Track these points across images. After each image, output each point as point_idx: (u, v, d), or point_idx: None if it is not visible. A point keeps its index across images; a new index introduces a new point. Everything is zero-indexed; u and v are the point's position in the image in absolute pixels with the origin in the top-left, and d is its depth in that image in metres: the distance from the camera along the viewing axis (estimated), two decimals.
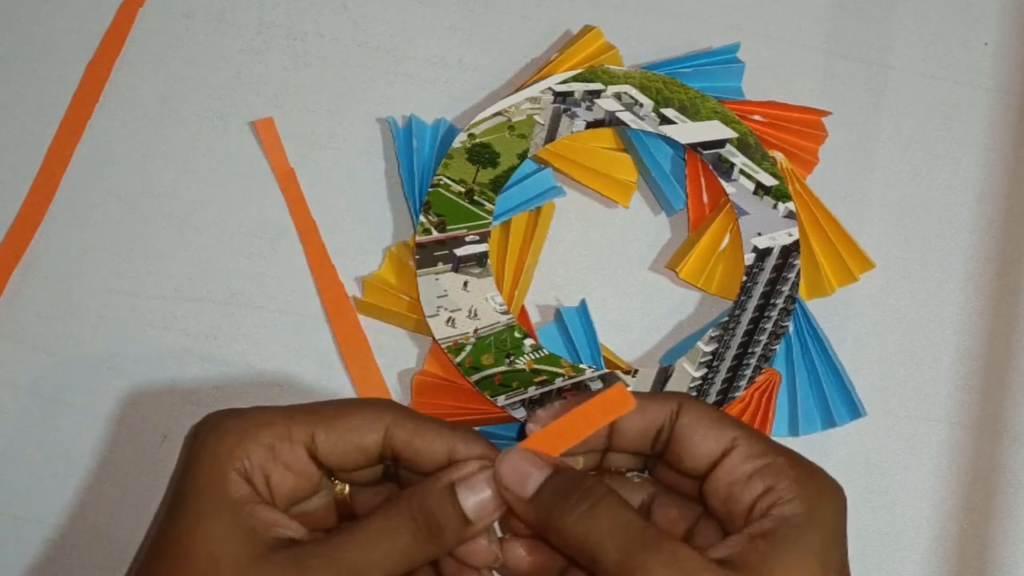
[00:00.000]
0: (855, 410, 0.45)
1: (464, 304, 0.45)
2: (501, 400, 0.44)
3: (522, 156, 0.46)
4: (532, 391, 0.44)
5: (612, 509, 0.33)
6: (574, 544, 0.33)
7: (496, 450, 0.35)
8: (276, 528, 0.33)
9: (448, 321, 0.44)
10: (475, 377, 0.44)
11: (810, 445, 0.43)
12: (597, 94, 0.47)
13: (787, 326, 0.45)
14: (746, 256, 0.45)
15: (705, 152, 0.46)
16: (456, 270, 0.45)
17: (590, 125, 0.47)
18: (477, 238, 0.45)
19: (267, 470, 0.34)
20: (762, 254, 0.45)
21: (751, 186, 0.46)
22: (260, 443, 0.33)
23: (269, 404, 0.45)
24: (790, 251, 0.45)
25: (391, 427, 0.35)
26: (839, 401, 0.45)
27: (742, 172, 0.46)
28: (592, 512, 0.33)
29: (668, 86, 0.47)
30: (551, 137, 0.46)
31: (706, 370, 0.45)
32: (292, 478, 0.34)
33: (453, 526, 0.34)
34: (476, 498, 0.34)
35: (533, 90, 0.47)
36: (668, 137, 0.46)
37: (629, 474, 0.38)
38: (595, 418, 0.35)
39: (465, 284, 0.45)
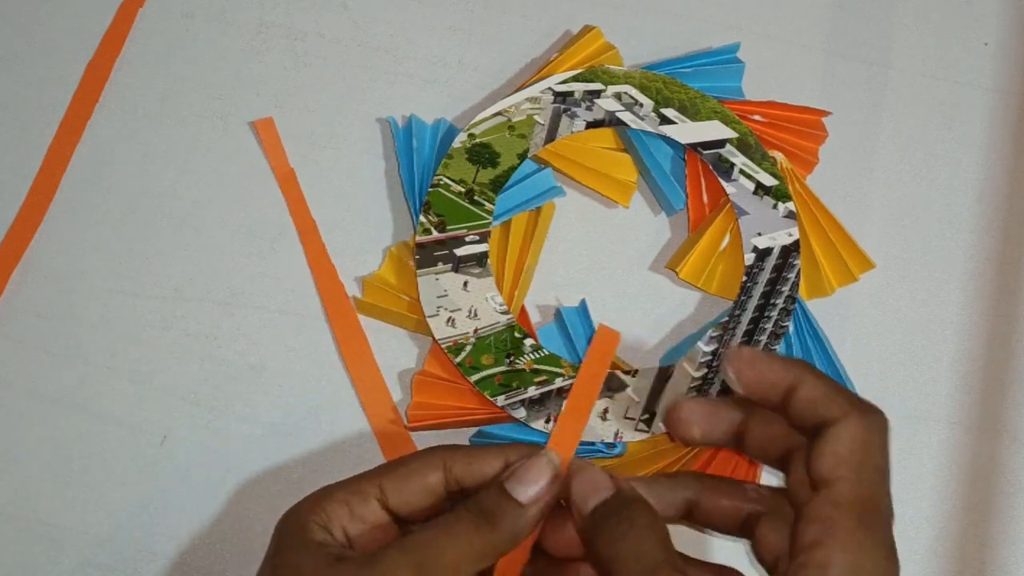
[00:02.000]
0: None
1: (464, 304, 0.45)
2: (501, 400, 0.44)
3: (522, 156, 0.46)
4: (532, 391, 0.44)
5: (638, 539, 0.35)
6: (602, 563, 0.35)
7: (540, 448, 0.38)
8: None
9: (448, 321, 0.44)
10: (475, 377, 0.44)
11: None
12: (597, 94, 0.47)
13: (787, 326, 0.45)
14: (746, 256, 0.45)
15: (705, 152, 0.46)
16: (456, 270, 0.45)
17: (590, 125, 0.47)
18: (477, 238, 0.45)
19: (344, 523, 0.36)
20: (762, 254, 0.45)
21: (751, 186, 0.46)
22: (335, 500, 0.36)
23: (269, 405, 0.45)
24: (790, 251, 0.45)
25: (448, 459, 0.37)
26: None
27: (742, 172, 0.46)
28: (621, 539, 0.35)
29: (668, 86, 0.47)
30: (551, 137, 0.46)
31: (706, 370, 0.45)
32: (369, 531, 0.36)
33: (509, 511, 0.36)
34: (523, 488, 0.36)
35: (533, 90, 0.47)
36: (668, 137, 0.46)
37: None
38: (602, 362, 0.42)
39: (465, 284, 0.45)
